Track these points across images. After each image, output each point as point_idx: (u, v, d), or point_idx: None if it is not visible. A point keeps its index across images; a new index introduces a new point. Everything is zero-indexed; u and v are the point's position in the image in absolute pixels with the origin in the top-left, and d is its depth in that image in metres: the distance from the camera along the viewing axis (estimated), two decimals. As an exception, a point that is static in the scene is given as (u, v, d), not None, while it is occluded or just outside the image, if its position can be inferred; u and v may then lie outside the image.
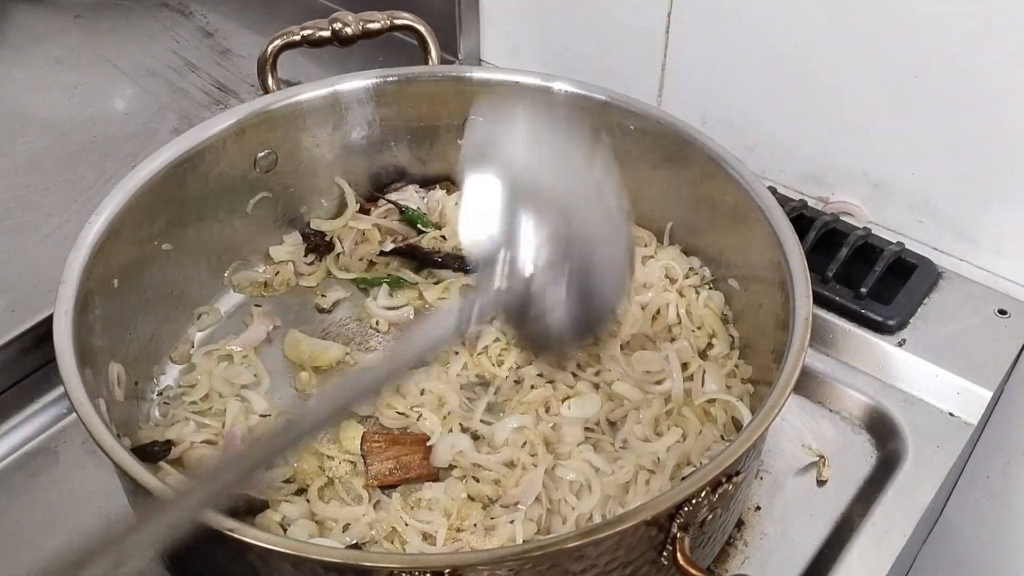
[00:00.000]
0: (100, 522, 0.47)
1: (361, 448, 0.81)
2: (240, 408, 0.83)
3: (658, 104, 1.08)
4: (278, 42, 0.93)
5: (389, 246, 0.98)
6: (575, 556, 0.61)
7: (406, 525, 0.74)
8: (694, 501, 0.62)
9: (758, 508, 0.81)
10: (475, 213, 0.56)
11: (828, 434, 0.87)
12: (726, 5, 0.97)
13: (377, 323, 0.93)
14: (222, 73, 1.21)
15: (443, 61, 0.98)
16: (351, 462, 0.80)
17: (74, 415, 0.67)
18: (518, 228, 0.56)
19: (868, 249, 0.95)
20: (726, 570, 0.77)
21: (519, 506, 0.76)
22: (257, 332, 0.91)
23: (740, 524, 0.79)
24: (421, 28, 0.96)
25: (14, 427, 0.85)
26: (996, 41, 0.83)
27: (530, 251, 0.56)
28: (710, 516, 0.65)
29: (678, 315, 0.90)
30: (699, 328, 0.89)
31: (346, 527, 0.75)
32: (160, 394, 0.85)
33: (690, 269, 0.93)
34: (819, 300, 0.91)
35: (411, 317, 0.94)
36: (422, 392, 0.85)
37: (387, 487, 0.79)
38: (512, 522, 0.74)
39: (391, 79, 0.95)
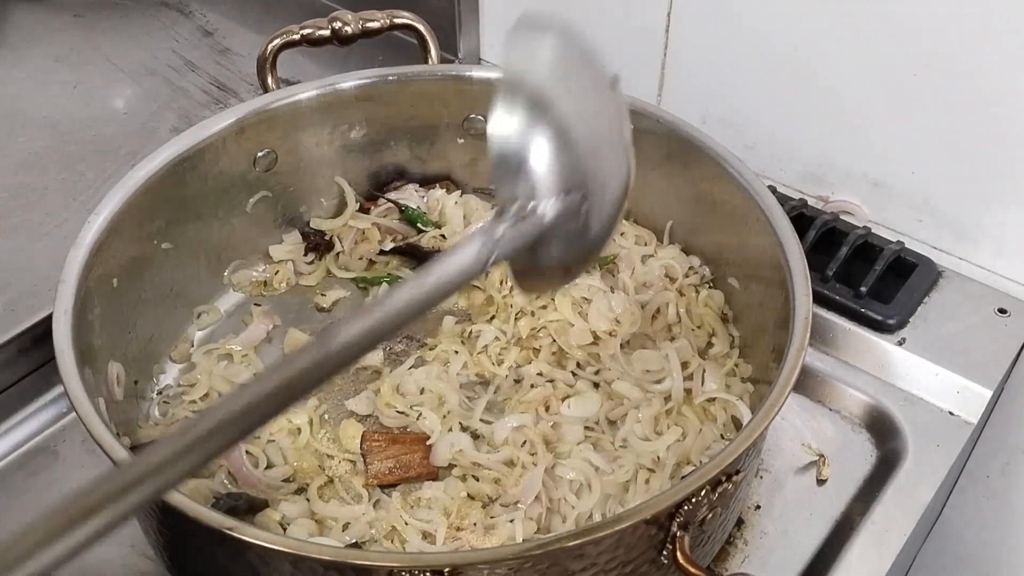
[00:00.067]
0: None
1: (361, 447, 0.81)
2: (240, 407, 0.83)
3: (658, 103, 1.08)
4: (278, 41, 0.93)
5: (389, 245, 0.98)
6: (575, 555, 0.61)
7: (406, 524, 0.74)
8: (694, 500, 0.62)
9: (758, 507, 0.81)
10: (503, 141, 0.55)
11: (828, 433, 0.87)
12: (726, 4, 0.97)
13: (377, 322, 0.93)
14: (222, 72, 1.20)
15: (443, 60, 0.97)
16: (351, 461, 0.80)
17: (74, 414, 0.67)
18: (541, 158, 0.55)
19: (868, 248, 0.95)
20: (726, 569, 0.77)
21: (519, 505, 0.76)
22: (257, 331, 0.91)
23: (740, 523, 0.79)
24: (421, 27, 0.96)
25: (14, 426, 0.85)
26: (996, 41, 0.83)
27: (552, 182, 0.55)
28: (710, 515, 0.65)
29: (678, 314, 0.90)
30: (699, 327, 0.89)
31: (346, 526, 0.75)
32: (160, 393, 0.86)
33: (690, 268, 0.93)
34: (819, 299, 0.91)
35: (411, 316, 0.94)
36: (422, 391, 0.85)
37: (387, 486, 0.79)
38: (512, 521, 0.74)
39: (391, 78, 0.95)
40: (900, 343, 0.90)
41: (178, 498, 0.59)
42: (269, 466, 0.79)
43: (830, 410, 0.89)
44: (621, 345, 0.87)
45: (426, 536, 0.74)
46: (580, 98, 0.58)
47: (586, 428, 0.82)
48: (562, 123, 0.55)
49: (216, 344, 0.89)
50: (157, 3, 1.32)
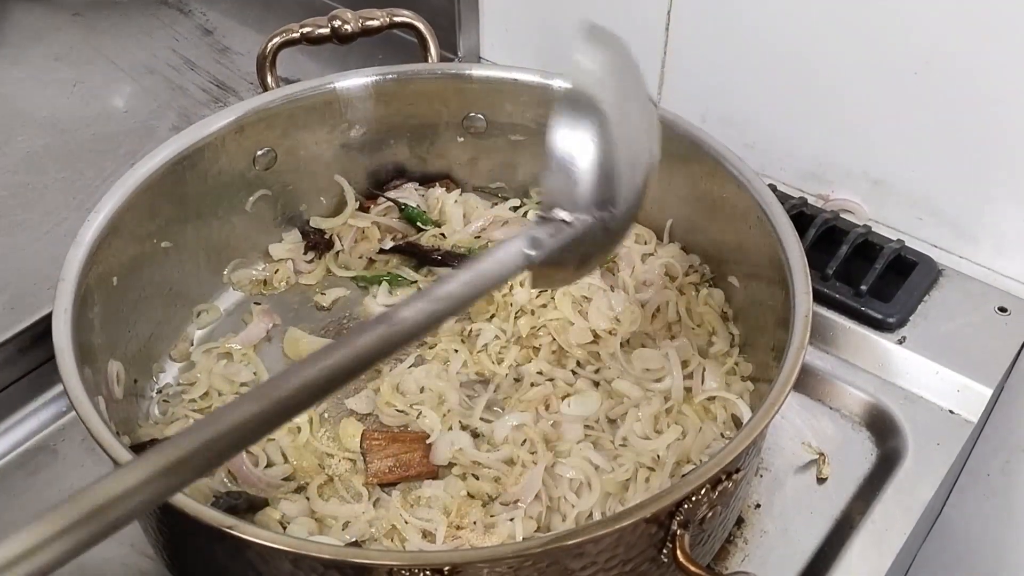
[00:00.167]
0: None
1: (361, 446, 0.81)
2: (240, 406, 0.83)
3: (658, 102, 1.07)
4: (277, 40, 0.93)
5: (389, 244, 0.98)
6: (575, 553, 0.61)
7: (406, 523, 0.74)
8: (694, 499, 0.62)
9: (758, 506, 0.81)
10: (564, 153, 0.57)
11: (828, 432, 0.87)
12: (726, 3, 0.97)
13: (377, 321, 0.93)
14: (221, 71, 1.20)
15: (443, 59, 0.98)
16: (351, 460, 0.80)
17: (73, 413, 0.67)
18: (591, 174, 0.58)
19: (868, 247, 0.95)
20: (726, 567, 0.77)
21: (519, 504, 0.76)
22: (257, 330, 0.91)
23: (740, 522, 0.79)
24: (420, 26, 0.96)
25: (13, 425, 0.85)
26: (996, 40, 0.83)
27: (594, 198, 0.58)
28: (710, 514, 0.65)
29: (678, 313, 0.90)
30: (699, 326, 0.89)
31: (346, 525, 0.75)
32: (159, 392, 0.85)
33: (690, 267, 0.93)
34: (819, 297, 0.91)
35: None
36: (422, 390, 0.85)
37: (387, 485, 0.79)
38: (512, 520, 0.74)
39: (390, 77, 0.94)
40: (900, 342, 0.90)
41: (178, 497, 0.59)
42: (269, 465, 0.79)
43: (830, 409, 0.89)
44: (621, 344, 0.87)
45: (426, 535, 0.74)
46: (632, 121, 0.61)
47: (586, 427, 0.82)
48: (616, 144, 0.58)
49: (216, 343, 0.89)
50: (157, 2, 1.32)
